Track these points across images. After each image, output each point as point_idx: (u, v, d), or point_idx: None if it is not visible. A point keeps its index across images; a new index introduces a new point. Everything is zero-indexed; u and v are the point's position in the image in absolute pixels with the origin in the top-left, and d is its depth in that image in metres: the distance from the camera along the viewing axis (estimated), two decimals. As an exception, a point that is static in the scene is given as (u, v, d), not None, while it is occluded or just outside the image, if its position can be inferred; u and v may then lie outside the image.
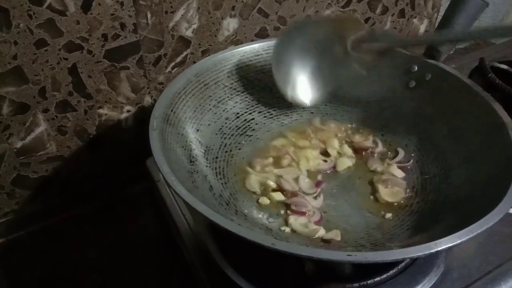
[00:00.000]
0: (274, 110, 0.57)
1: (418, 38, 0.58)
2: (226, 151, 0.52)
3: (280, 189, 0.48)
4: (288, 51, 0.53)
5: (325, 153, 0.53)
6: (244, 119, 0.55)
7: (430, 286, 0.41)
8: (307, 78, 0.54)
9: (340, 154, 0.53)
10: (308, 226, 0.44)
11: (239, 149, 0.53)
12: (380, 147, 0.54)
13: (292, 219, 0.45)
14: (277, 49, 0.53)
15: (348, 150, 0.54)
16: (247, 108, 0.56)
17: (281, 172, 0.50)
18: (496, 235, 0.47)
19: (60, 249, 0.60)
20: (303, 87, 0.54)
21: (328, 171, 0.51)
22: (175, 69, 0.60)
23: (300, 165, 0.51)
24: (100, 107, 0.57)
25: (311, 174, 0.51)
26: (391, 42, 0.49)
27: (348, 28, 0.51)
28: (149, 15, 0.54)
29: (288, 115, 0.57)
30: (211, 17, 0.59)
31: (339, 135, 0.56)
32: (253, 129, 0.55)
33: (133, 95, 0.59)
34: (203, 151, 0.50)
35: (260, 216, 0.46)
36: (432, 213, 0.45)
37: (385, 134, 0.55)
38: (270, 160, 0.52)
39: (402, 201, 0.47)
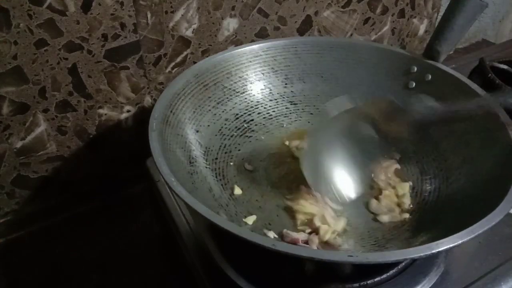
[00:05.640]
0: (274, 111, 0.57)
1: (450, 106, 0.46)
2: (225, 152, 0.52)
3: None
4: (319, 152, 0.47)
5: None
6: (244, 120, 0.55)
7: (430, 286, 0.41)
8: (344, 174, 0.48)
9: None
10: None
11: (239, 150, 0.53)
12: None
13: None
14: (307, 154, 0.48)
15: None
16: (246, 109, 0.56)
17: None
18: (496, 235, 0.47)
19: (60, 249, 0.60)
20: (341, 185, 0.47)
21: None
22: (175, 69, 0.60)
23: None
24: (100, 107, 0.57)
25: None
26: (420, 112, 0.46)
27: (376, 112, 0.47)
28: (149, 15, 0.54)
29: (287, 116, 0.57)
30: (211, 17, 0.59)
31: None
32: (253, 130, 0.55)
33: (133, 95, 0.59)
34: (203, 152, 0.50)
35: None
36: (432, 213, 0.45)
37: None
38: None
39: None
